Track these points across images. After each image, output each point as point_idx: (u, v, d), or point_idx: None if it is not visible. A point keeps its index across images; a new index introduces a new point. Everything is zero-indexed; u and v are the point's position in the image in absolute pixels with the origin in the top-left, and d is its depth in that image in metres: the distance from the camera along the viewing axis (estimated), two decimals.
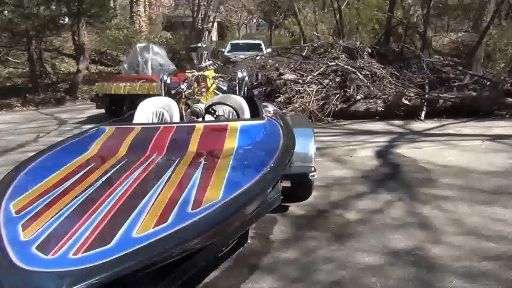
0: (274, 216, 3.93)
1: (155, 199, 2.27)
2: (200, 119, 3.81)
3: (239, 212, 2.32)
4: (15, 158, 5.66)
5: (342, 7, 13.65)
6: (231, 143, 3.10)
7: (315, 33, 14.24)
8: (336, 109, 8.79)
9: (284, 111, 8.68)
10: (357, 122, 8.53)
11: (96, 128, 3.53)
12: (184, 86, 4.65)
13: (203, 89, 4.64)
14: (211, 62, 4.91)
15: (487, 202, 4.12)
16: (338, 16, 13.10)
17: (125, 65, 10.36)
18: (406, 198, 4.34)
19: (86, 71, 17.07)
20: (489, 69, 11.87)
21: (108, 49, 19.29)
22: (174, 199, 2.27)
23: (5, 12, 12.44)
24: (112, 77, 11.50)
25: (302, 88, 9.06)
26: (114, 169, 2.73)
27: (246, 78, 4.78)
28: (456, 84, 9.32)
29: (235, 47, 19.68)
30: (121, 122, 4.03)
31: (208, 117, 4.02)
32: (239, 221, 2.41)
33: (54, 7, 13.01)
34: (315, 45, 11.22)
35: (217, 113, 3.92)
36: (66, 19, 14.22)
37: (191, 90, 4.64)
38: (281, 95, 9.12)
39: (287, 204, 4.17)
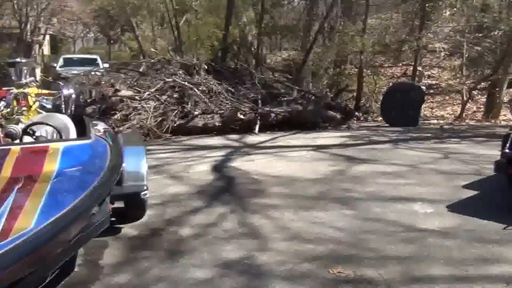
0: (106, 239, 3.77)
1: None
2: (18, 141, 3.51)
3: (54, 240, 2.20)
4: None
5: (180, 23, 13.81)
6: (51, 165, 2.91)
7: (152, 49, 14.16)
8: (175, 125, 8.84)
9: (120, 128, 8.47)
10: (195, 137, 8.68)
11: None
12: (1, 104, 4.25)
13: (24, 108, 4.29)
14: (32, 78, 4.56)
15: (309, 208, 4.51)
16: (176, 32, 13.21)
17: None
18: (238, 209, 4.53)
19: None
20: (316, 84, 13.11)
21: None
22: None
23: None
24: None
25: (139, 105, 8.92)
26: None
27: (73, 95, 4.54)
28: (285, 99, 10.08)
29: (69, 62, 18.61)
30: None
31: (27, 139, 3.72)
32: (57, 249, 2.29)
33: None
34: (152, 61, 11.17)
35: (37, 134, 3.64)
36: None
37: (9, 109, 4.26)
38: (117, 112, 8.87)
39: (120, 226, 4.05)
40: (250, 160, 6.72)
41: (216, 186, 5.44)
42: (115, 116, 8.80)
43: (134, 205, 4.03)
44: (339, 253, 3.45)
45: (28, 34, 24.26)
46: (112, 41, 32.28)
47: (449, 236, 3.71)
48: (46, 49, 31.89)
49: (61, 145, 3.19)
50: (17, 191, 2.50)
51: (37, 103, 4.43)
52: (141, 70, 10.80)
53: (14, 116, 4.23)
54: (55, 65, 19.32)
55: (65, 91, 4.48)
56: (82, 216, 2.54)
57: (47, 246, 2.18)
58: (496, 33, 12.27)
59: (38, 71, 20.15)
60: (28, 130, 3.55)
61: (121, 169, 3.83)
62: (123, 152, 4.06)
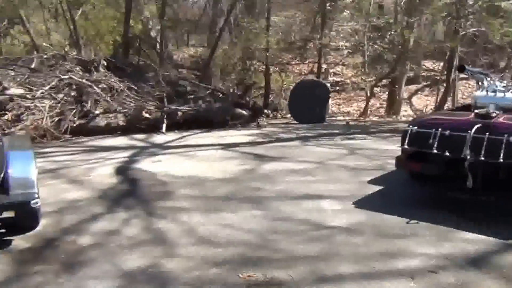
0: None
1: None
2: None
3: None
4: None
5: (76, 17, 13.06)
6: None
7: (44, 43, 13.26)
8: (74, 125, 8.34)
9: (12, 130, 7.83)
10: (98, 138, 8.26)
11: None
12: None
13: None
14: None
15: (219, 209, 4.42)
16: (72, 26, 12.48)
17: None
18: (143, 214, 4.32)
19: None
20: (224, 82, 13.06)
21: None
22: None
23: None
24: None
25: (33, 104, 8.30)
26: None
27: None
28: (192, 96, 9.91)
29: None
30: None
31: None
32: None
33: None
34: (45, 56, 10.43)
35: None
36: None
37: None
38: (7, 113, 8.18)
39: (9, 238, 3.69)
40: (157, 161, 6.50)
41: (120, 189, 5.18)
42: (5, 117, 8.12)
43: (24, 215, 3.68)
44: (248, 256, 3.40)
45: None
46: (1, 35, 29.86)
47: (356, 233, 3.80)
48: None
49: None
50: None
51: None
52: (32, 66, 10.04)
53: None
54: None
55: None
56: None
57: None
58: (392, 32, 13.00)
59: None
60: None
61: (5, 176, 3.50)
62: (7, 157, 3.71)
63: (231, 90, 10.35)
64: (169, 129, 8.91)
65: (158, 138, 8.34)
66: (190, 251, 3.49)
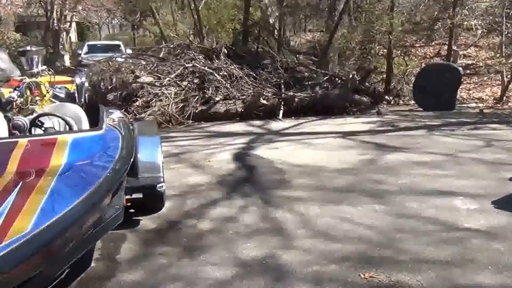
0: (123, 232, 3.63)
1: None
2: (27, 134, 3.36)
3: (56, 241, 2.09)
4: None
5: (200, 7, 13.53)
6: (58, 159, 2.75)
7: (171, 33, 13.94)
8: (196, 111, 8.63)
9: (142, 115, 8.35)
10: (217, 124, 8.46)
11: None
12: (15, 94, 4.09)
13: (37, 97, 4.13)
14: (44, 67, 4.40)
15: (337, 201, 4.23)
16: (196, 16, 12.95)
17: None
18: (260, 202, 4.29)
19: None
20: (342, 67, 12.66)
21: None
22: None
23: None
24: None
25: (160, 91, 8.76)
26: None
27: (86, 84, 4.37)
28: (310, 83, 9.73)
29: (93, 49, 18.68)
30: None
31: (37, 131, 3.56)
32: (61, 249, 2.18)
33: None
34: (172, 46, 10.96)
35: (46, 126, 3.47)
36: None
37: (23, 99, 4.11)
38: (138, 99, 8.74)
39: (138, 218, 3.90)
40: (274, 148, 6.47)
41: (237, 176, 5.22)
42: (136, 103, 8.69)
43: (151, 197, 3.87)
44: (370, 254, 3.17)
45: (55, 22, 24.39)
46: (135, 27, 32.27)
47: (497, 237, 3.36)
48: (73, 36, 32.16)
49: (69, 137, 3.02)
50: (20, 188, 2.35)
51: (50, 92, 4.27)
52: (160, 55, 10.61)
53: (28, 106, 4.08)
54: (80, 51, 19.47)
55: (78, 80, 4.31)
56: (89, 212, 2.39)
57: (47, 248, 2.06)
58: None
59: (67, 58, 20.22)
60: (36, 121, 3.39)
61: (135, 160, 3.67)
62: (137, 142, 3.89)
63: (350, 76, 9.92)
64: (286, 115, 8.83)
65: (275, 125, 8.32)
66: (307, 244, 3.36)
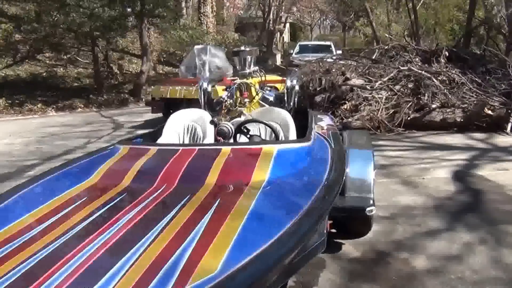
0: (323, 257, 3.18)
1: (138, 258, 1.63)
2: (231, 140, 3.14)
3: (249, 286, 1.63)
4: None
5: (418, 7, 12.44)
6: (262, 173, 2.40)
7: (386, 34, 13.13)
8: (408, 118, 7.80)
9: (349, 119, 7.90)
10: (431, 134, 7.50)
11: (111, 147, 2.97)
12: (225, 95, 4.01)
13: (246, 99, 3.97)
14: (256, 68, 4.22)
15: None
16: (412, 16, 11.92)
17: (182, 68, 9.93)
18: (489, 239, 3.42)
19: (153, 72, 17.02)
20: None
21: (177, 50, 19.21)
22: (160, 260, 1.61)
23: (70, 13, 12.47)
24: (169, 80, 11.14)
25: (370, 95, 8.16)
26: (105, 208, 2.13)
27: (297, 87, 4.05)
28: None
29: (304, 49, 18.99)
30: (143, 139, 3.46)
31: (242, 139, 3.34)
32: None
33: (118, 8, 12.88)
34: (386, 47, 10.20)
35: (251, 133, 3.22)
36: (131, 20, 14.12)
37: (232, 100, 3.99)
38: (346, 102, 8.30)
39: (340, 241, 3.43)
40: (503, 169, 5.34)
41: (459, 201, 4.35)
42: (344, 106, 8.27)
43: (356, 220, 3.34)
44: None
45: (271, 22, 25.79)
46: (347, 28, 32.18)
47: None
48: (286, 37, 33.73)
49: (275, 148, 2.67)
50: (216, 207, 2.02)
51: (260, 95, 4.07)
52: (373, 57, 9.97)
53: (237, 108, 3.94)
54: (291, 51, 20.03)
55: (288, 82, 4.00)
56: (294, 246, 1.90)
57: None
58: None
59: (278, 57, 21.14)
60: (242, 127, 3.15)
61: (344, 177, 3.20)
62: (347, 155, 3.40)
63: None
64: None
65: (502, 140, 7.00)
66: None
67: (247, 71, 4.08)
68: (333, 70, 8.90)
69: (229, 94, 3.99)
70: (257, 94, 4.05)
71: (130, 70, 16.98)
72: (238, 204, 2.06)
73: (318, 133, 3.48)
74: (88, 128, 9.16)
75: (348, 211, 3.10)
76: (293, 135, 3.37)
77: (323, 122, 3.98)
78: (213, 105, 4.14)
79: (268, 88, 4.29)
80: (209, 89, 4.23)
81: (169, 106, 8.72)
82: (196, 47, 10.04)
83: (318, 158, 2.81)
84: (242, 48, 4.26)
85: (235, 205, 2.05)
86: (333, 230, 3.42)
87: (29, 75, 14.80)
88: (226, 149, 2.62)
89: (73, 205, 2.17)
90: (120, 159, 2.69)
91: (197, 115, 3.59)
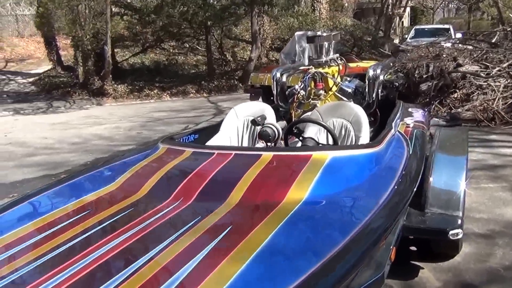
0: (393, 282, 2.53)
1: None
2: (275, 145, 2.61)
3: None
4: None
5: None
6: (301, 190, 1.86)
7: (511, 15, 11.28)
8: None
9: (459, 110, 6.82)
10: None
11: (154, 145, 2.64)
12: (298, 86, 3.47)
13: (321, 91, 3.39)
14: (336, 55, 3.60)
15: None
16: None
17: (282, 55, 9.40)
18: None
19: (266, 59, 16.79)
20: None
21: (290, 37, 18.71)
22: None
23: (184, 3, 12.66)
24: (269, 67, 10.73)
25: (486, 83, 6.94)
26: (111, 221, 1.79)
27: (381, 78, 3.36)
28: None
29: (420, 33, 17.38)
30: (198, 135, 3.08)
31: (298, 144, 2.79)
32: None
33: None
34: (509, 29, 8.65)
35: (309, 134, 2.64)
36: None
37: (306, 92, 3.45)
38: (457, 91, 7.17)
39: (419, 263, 2.73)
40: None
41: None
42: (454, 95, 7.16)
43: (439, 242, 2.63)
44: None
45: (390, 7, 24.19)
46: (473, 9, 28.98)
47: None
48: (406, 21, 31.50)
49: (329, 155, 2.09)
50: (221, 240, 1.54)
51: (337, 86, 3.45)
52: (493, 40, 8.51)
53: (310, 100, 3.39)
54: (406, 36, 18.59)
55: (370, 72, 3.33)
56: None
57: None
58: None
59: (396, 43, 19.66)
60: (294, 128, 2.59)
61: (425, 186, 2.51)
62: (433, 160, 2.68)
63: None
64: None
65: None
66: None
67: (323, 59, 3.48)
68: (444, 55, 7.74)
69: (302, 85, 3.44)
70: (335, 85, 3.45)
71: (244, 57, 16.92)
72: (249, 237, 1.54)
73: (399, 132, 2.81)
74: (192, 114, 9.16)
75: (426, 233, 2.42)
76: (365, 135, 2.74)
77: (411, 119, 3.26)
78: (285, 97, 3.64)
79: (348, 79, 3.64)
80: (284, 79, 3.72)
81: (268, 93, 8.31)
82: (297, 33, 9.44)
83: (386, 167, 2.18)
84: (319, 33, 3.65)
85: (246, 237, 1.54)
86: (413, 248, 2.76)
87: (153, 62, 15.47)
88: (267, 155, 2.11)
89: (88, 211, 1.87)
90: (151, 162, 2.33)
91: (258, 109, 3.12)
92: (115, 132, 7.45)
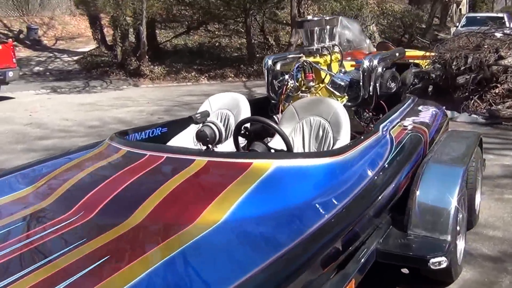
0: None
1: None
2: (215, 148, 2.21)
3: None
4: None
5: None
6: (222, 208, 1.49)
7: None
8: None
9: (499, 107, 6.14)
10: None
11: (103, 140, 2.32)
12: (287, 76, 3.04)
13: (312, 83, 2.94)
14: (333, 43, 3.11)
15: None
16: None
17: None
18: None
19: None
20: None
21: None
22: None
23: None
24: None
25: None
26: (4, 230, 1.49)
27: (379, 70, 2.86)
28: None
29: (471, 21, 16.09)
30: (168, 128, 2.73)
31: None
32: None
33: None
34: None
35: (265, 140, 2.21)
36: None
37: (295, 83, 3.02)
38: (498, 86, 6.44)
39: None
40: None
41: None
42: (495, 90, 6.44)
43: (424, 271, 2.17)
44: None
45: None
46: None
47: None
48: (464, 8, 29.49)
49: (273, 164, 1.68)
50: (84, 274, 1.19)
51: (330, 78, 2.98)
52: None
53: (299, 93, 2.95)
54: (457, 24, 17.36)
55: (366, 63, 2.83)
56: None
57: None
58: None
59: (452, 31, 18.33)
60: (241, 128, 2.17)
61: (410, 201, 2.06)
62: (423, 170, 2.21)
63: None
64: None
65: None
66: None
67: (315, 46, 3.01)
68: (486, 46, 6.92)
69: (291, 76, 3.01)
70: (326, 76, 2.99)
71: (288, 41, 16.33)
72: (118, 274, 1.18)
73: (390, 135, 2.35)
74: None
75: (403, 260, 1.98)
76: (344, 138, 2.30)
77: (413, 119, 2.77)
78: (276, 90, 3.22)
79: (342, 70, 3.15)
80: (278, 67, 3.28)
81: None
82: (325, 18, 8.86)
83: (343, 182, 1.74)
84: (309, 17, 3.18)
85: (115, 274, 1.18)
86: (405, 271, 2.32)
87: (196, 45, 15.18)
88: (200, 161, 1.73)
89: None
90: (80, 162, 2.02)
91: (229, 99, 2.74)
92: (137, 116, 7.25)
